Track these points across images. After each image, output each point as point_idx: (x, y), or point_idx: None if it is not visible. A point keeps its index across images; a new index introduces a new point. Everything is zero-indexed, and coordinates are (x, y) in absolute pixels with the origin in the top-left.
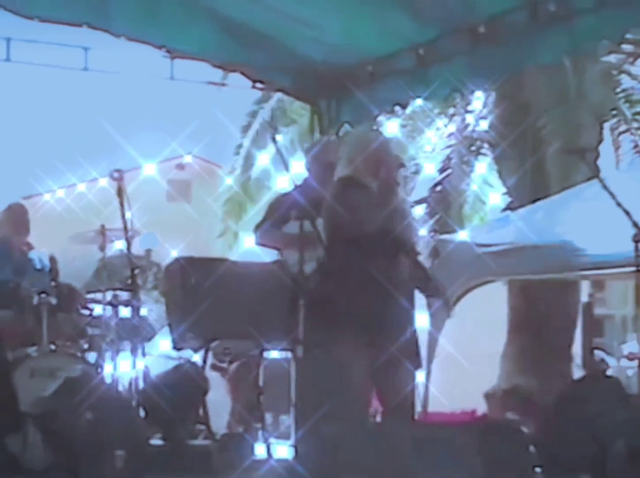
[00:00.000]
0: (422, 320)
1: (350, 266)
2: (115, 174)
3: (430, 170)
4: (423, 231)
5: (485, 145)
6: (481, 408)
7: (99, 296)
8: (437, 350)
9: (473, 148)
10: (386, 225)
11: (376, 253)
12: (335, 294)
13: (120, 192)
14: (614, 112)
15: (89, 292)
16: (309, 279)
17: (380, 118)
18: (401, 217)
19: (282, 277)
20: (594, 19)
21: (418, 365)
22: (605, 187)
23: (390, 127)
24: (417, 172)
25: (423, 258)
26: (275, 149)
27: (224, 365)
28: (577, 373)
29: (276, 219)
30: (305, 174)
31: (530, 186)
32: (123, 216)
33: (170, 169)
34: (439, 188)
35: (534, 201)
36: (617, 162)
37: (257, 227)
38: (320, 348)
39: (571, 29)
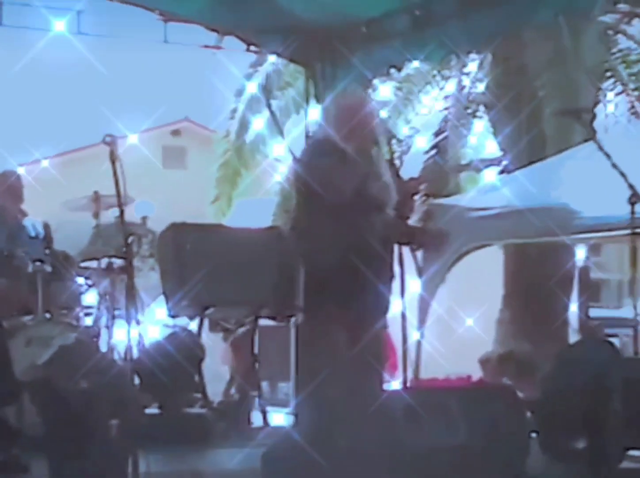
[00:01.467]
0: (414, 285)
1: (320, 228)
2: (108, 139)
3: (426, 133)
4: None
5: (481, 107)
6: (476, 373)
7: (93, 263)
8: (430, 315)
9: (469, 110)
10: (357, 189)
11: (346, 216)
12: (308, 258)
13: (113, 158)
14: (610, 73)
15: (84, 260)
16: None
17: (375, 81)
18: (376, 180)
19: (277, 243)
20: None
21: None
22: (601, 148)
23: (385, 90)
24: (412, 135)
25: (414, 221)
26: (270, 114)
27: (230, 326)
28: (573, 337)
29: None
30: None
31: (526, 148)
32: (116, 182)
33: (165, 135)
34: (434, 151)
35: (530, 164)
36: (612, 123)
37: None
38: (310, 314)
39: None
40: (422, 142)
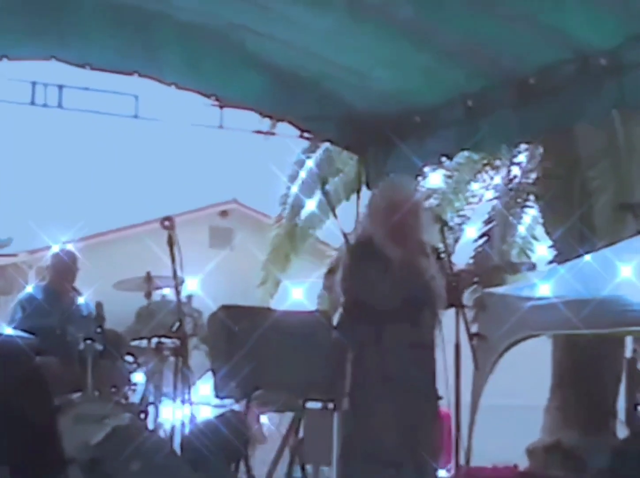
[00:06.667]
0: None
1: (362, 326)
2: (167, 223)
3: (476, 221)
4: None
5: (532, 197)
6: (523, 462)
7: (143, 342)
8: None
9: (519, 200)
10: (403, 299)
11: (389, 320)
12: (353, 359)
13: (171, 240)
14: None
15: (133, 339)
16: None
17: (426, 169)
18: (422, 291)
19: (325, 327)
20: None
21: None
22: None
23: (436, 178)
24: (462, 223)
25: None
26: (327, 201)
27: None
28: (621, 429)
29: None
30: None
31: (577, 239)
32: (173, 263)
33: (214, 216)
34: (484, 239)
35: (580, 255)
36: None
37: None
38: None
39: (621, 83)
40: (472, 233)
